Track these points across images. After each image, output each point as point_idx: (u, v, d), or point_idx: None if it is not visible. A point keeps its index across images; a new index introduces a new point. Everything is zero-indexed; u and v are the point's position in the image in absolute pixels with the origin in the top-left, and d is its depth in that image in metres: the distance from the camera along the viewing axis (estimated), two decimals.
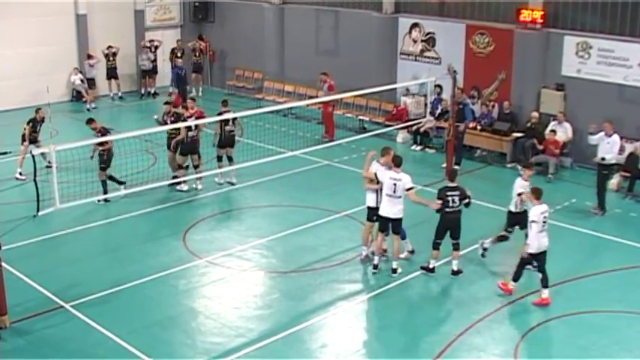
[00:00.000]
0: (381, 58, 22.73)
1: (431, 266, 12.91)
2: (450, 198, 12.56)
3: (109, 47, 25.82)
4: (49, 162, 13.53)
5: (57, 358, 10.44)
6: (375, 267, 12.92)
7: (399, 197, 12.46)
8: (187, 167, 17.12)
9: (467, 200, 12.66)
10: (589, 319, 11.59)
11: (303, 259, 13.62)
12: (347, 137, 19.86)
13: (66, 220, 15.06)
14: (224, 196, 17.09)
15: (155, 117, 17.46)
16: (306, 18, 24.99)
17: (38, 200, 12.11)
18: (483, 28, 20.47)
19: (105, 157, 16.16)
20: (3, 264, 11.20)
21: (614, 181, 17.07)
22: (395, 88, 21.39)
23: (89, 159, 16.24)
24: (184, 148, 16.89)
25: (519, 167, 13.64)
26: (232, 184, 17.47)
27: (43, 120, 18.07)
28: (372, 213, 13.04)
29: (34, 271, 12.93)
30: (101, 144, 15.87)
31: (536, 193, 12.03)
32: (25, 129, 17.79)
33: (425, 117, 20.26)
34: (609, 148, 15.80)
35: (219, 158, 17.49)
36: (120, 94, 26.50)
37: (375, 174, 12.71)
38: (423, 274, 12.93)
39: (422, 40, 21.93)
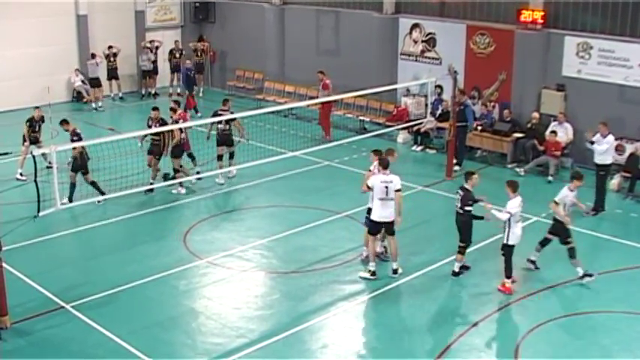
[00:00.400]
0: (381, 58, 22.73)
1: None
2: (456, 197, 12.68)
3: (110, 48, 25.83)
4: (50, 162, 13.53)
5: (57, 358, 10.44)
6: (373, 274, 12.80)
7: (392, 199, 12.46)
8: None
9: (467, 207, 12.52)
10: (589, 319, 11.59)
11: (303, 259, 13.62)
12: (348, 138, 19.86)
13: (66, 221, 15.08)
14: (225, 196, 17.10)
15: (139, 145, 17.40)
16: (307, 18, 25.00)
17: (39, 201, 12.13)
18: (484, 28, 20.46)
19: (79, 162, 15.66)
20: (4, 264, 11.21)
21: (614, 182, 17.08)
22: (395, 89, 21.44)
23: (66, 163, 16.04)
24: (176, 151, 16.86)
25: (573, 174, 12.85)
26: (230, 177, 17.63)
27: (42, 119, 17.98)
28: None
29: (35, 271, 12.93)
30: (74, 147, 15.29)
31: (513, 186, 12.23)
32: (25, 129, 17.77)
33: (425, 117, 20.28)
34: (605, 149, 15.78)
35: (220, 157, 17.53)
36: (120, 94, 26.52)
37: (367, 185, 12.67)
38: (423, 274, 12.93)
39: (422, 41, 21.93)
